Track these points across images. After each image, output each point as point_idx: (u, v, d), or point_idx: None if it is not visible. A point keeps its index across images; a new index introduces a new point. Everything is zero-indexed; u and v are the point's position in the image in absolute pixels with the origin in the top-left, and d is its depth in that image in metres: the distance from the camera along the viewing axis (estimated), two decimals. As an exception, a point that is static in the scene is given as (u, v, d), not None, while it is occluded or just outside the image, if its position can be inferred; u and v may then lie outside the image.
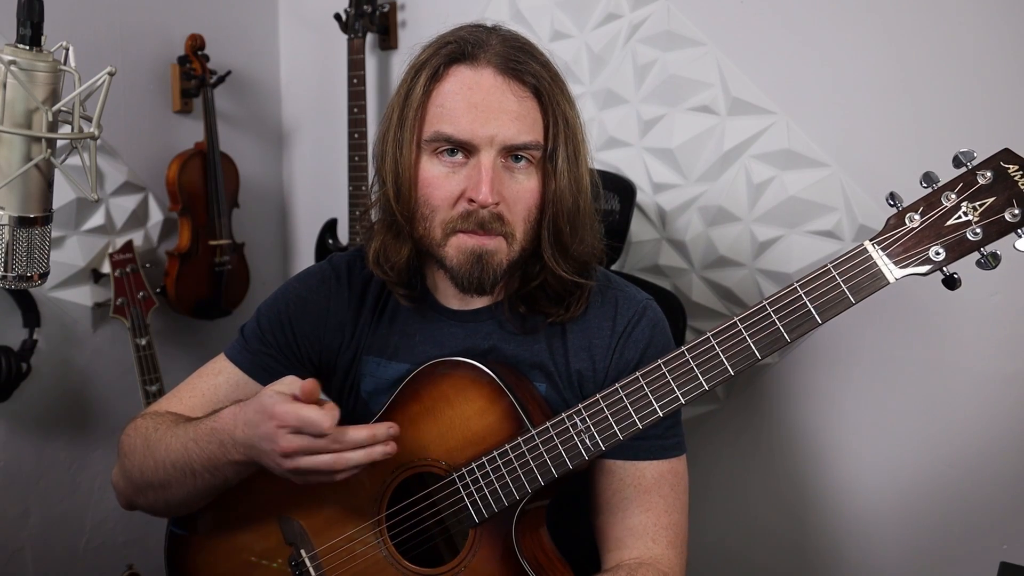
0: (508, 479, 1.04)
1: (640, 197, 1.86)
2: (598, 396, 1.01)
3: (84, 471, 2.12)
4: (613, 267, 1.85)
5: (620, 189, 1.72)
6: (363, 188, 2.11)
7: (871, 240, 0.93)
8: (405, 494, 1.11)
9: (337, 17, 2.17)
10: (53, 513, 2.06)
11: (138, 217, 2.13)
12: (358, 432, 0.97)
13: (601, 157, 1.91)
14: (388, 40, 2.27)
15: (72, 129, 0.84)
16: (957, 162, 0.91)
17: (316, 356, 1.23)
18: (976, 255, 0.91)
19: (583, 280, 1.14)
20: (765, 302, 0.95)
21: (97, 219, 2.02)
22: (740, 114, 1.73)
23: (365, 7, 2.15)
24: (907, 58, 1.56)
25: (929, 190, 0.92)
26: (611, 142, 1.89)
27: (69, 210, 1.95)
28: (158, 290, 2.12)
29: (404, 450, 1.09)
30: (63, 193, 1.89)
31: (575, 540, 1.19)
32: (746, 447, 1.85)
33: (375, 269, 1.18)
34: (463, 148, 1.06)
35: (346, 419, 1.23)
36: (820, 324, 0.94)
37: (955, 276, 0.92)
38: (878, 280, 0.92)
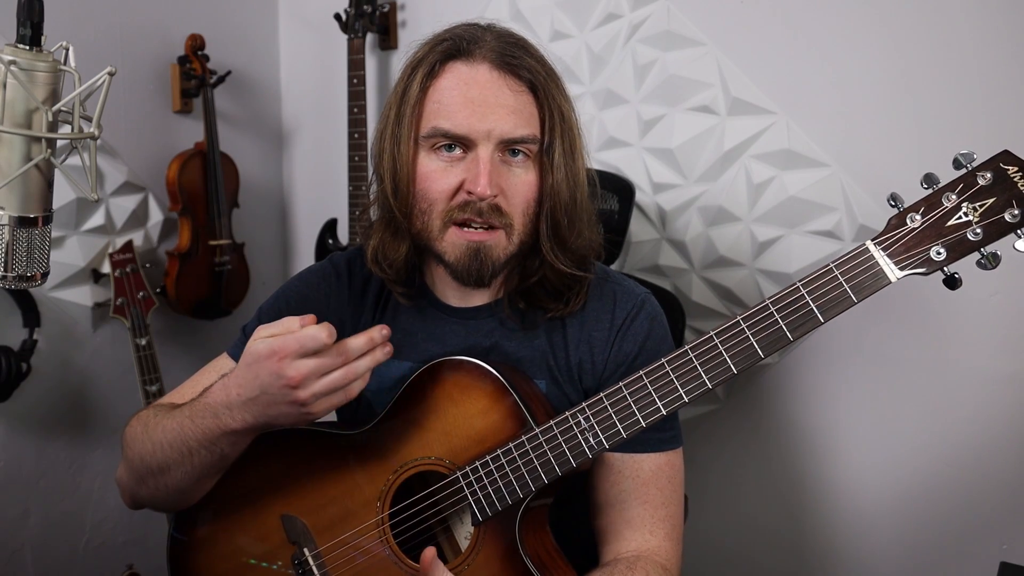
0: (512, 477, 1.04)
1: (640, 197, 1.86)
2: (602, 395, 1.02)
3: (84, 471, 2.12)
4: (612, 267, 1.85)
5: (619, 189, 1.72)
6: (363, 188, 2.12)
7: (873, 240, 0.94)
8: (408, 493, 1.11)
9: (337, 17, 2.17)
10: (53, 513, 2.06)
11: (138, 217, 2.13)
12: (357, 340, 0.98)
13: (601, 157, 1.91)
14: (388, 40, 2.27)
15: (72, 129, 0.84)
16: (957, 164, 0.92)
17: None
18: (976, 255, 0.91)
19: (581, 273, 1.15)
20: (768, 301, 0.96)
21: (97, 219, 2.02)
22: (740, 114, 1.73)
23: (365, 7, 2.15)
24: (907, 58, 1.56)
25: (930, 191, 0.93)
26: (611, 142, 1.89)
27: (69, 210, 1.95)
28: (158, 290, 2.12)
29: (408, 449, 1.10)
30: (63, 193, 1.89)
31: (574, 538, 1.20)
32: (746, 446, 1.85)
33: (374, 267, 1.19)
34: (461, 143, 1.07)
35: (349, 418, 1.24)
36: (822, 323, 0.95)
37: (956, 276, 0.93)
38: (880, 280, 0.93)
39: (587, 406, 1.02)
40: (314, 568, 1.12)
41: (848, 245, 1.64)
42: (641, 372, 1.01)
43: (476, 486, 1.06)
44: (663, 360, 1.00)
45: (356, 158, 2.13)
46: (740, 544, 1.89)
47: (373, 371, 1.20)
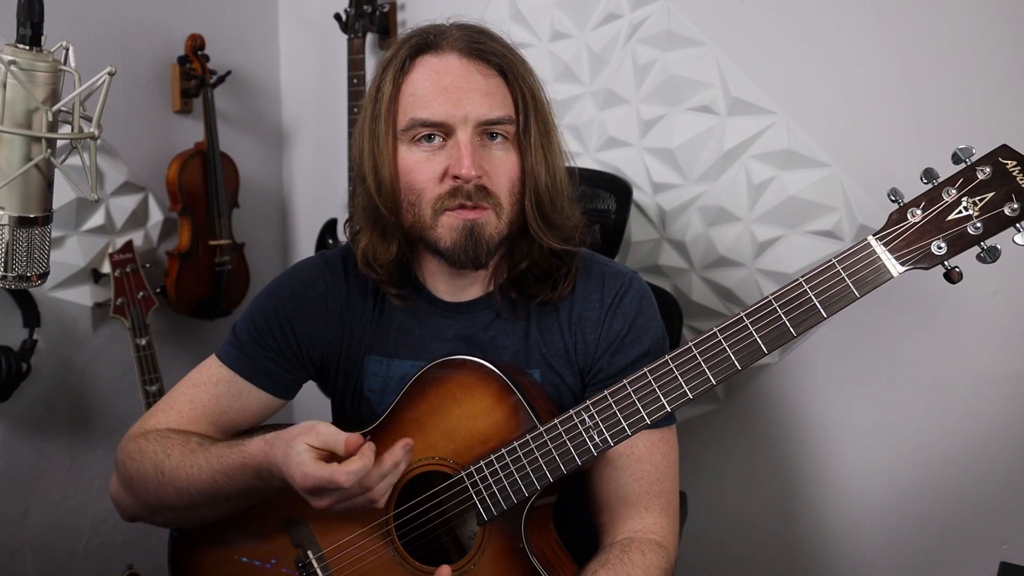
0: (517, 476, 1.05)
1: (640, 197, 1.86)
2: (606, 392, 1.02)
3: (84, 471, 2.11)
4: (613, 267, 1.84)
5: (616, 189, 1.72)
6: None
7: (874, 235, 0.95)
8: (411, 494, 1.11)
9: (337, 17, 2.17)
10: (53, 513, 2.06)
11: (138, 217, 2.12)
12: (381, 468, 0.98)
13: (601, 157, 1.91)
14: (388, 40, 2.27)
15: (72, 129, 0.84)
16: (956, 159, 0.93)
17: (317, 356, 1.22)
18: (976, 249, 0.92)
19: (570, 248, 1.17)
20: (771, 297, 0.96)
21: (97, 219, 2.02)
22: (740, 114, 1.73)
23: (365, 7, 2.15)
24: (908, 57, 1.56)
25: (930, 186, 0.94)
26: (611, 142, 1.89)
27: (69, 210, 1.94)
28: (158, 290, 2.12)
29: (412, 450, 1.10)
30: (63, 193, 1.89)
31: (572, 532, 1.20)
32: (746, 447, 1.85)
33: (365, 270, 1.18)
34: (439, 130, 1.09)
35: (351, 419, 1.23)
36: (825, 318, 0.96)
37: (956, 269, 0.94)
38: (882, 274, 0.94)
39: (591, 404, 1.02)
40: (318, 571, 1.11)
41: (848, 245, 1.64)
42: (645, 369, 1.01)
43: (481, 486, 1.06)
44: (667, 357, 1.00)
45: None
46: (740, 543, 1.89)
47: (373, 371, 1.21)
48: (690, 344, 0.99)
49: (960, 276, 0.93)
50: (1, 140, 0.81)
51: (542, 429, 1.04)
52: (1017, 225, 0.91)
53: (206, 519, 1.14)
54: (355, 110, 2.12)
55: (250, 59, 2.42)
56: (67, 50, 0.85)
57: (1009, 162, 0.91)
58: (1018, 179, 0.90)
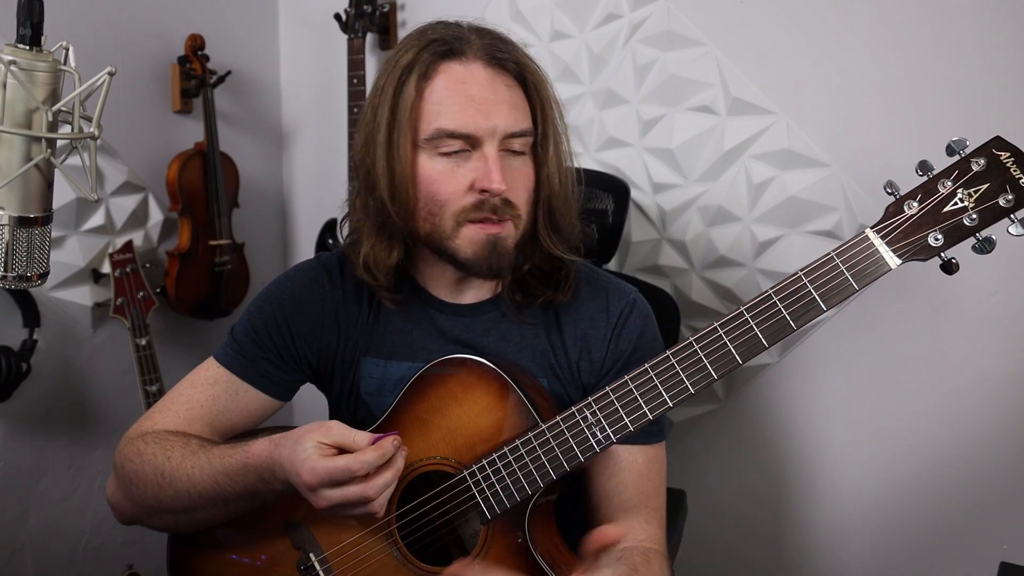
0: (520, 474, 1.05)
1: (640, 197, 1.86)
2: (608, 389, 1.02)
3: (84, 471, 2.11)
4: (609, 267, 1.85)
5: (614, 189, 1.72)
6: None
7: (872, 227, 0.95)
8: (413, 494, 1.11)
9: (337, 17, 2.17)
10: (53, 513, 2.06)
11: (138, 217, 2.12)
12: (384, 476, 0.97)
13: (601, 157, 1.91)
14: (388, 40, 2.27)
15: (72, 129, 0.84)
16: (950, 150, 0.94)
17: (314, 357, 1.21)
18: (972, 240, 0.93)
19: (572, 258, 1.17)
20: (770, 291, 0.97)
21: (97, 219, 2.02)
22: (740, 114, 1.73)
23: (365, 7, 2.15)
24: (908, 58, 1.56)
25: (925, 178, 0.94)
26: (611, 142, 1.89)
27: (69, 210, 1.94)
28: (158, 290, 2.12)
29: (413, 450, 1.09)
30: (63, 193, 1.89)
31: (574, 533, 1.20)
32: (745, 446, 1.85)
33: (364, 275, 1.17)
34: (467, 142, 1.07)
35: (348, 421, 1.21)
36: (825, 311, 0.96)
37: (953, 261, 0.94)
38: (880, 266, 0.94)
39: (593, 401, 1.02)
40: (321, 573, 1.11)
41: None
42: (647, 365, 1.01)
43: (484, 484, 1.06)
44: (668, 352, 1.00)
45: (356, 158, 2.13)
46: (740, 543, 1.89)
47: (369, 373, 1.21)
48: (691, 339, 0.99)
49: (957, 267, 0.94)
50: (1, 140, 0.81)
51: (544, 427, 1.04)
52: (1012, 216, 0.92)
53: (204, 523, 1.14)
54: (355, 110, 2.12)
55: (250, 59, 2.41)
56: (67, 50, 0.85)
57: (1003, 153, 0.92)
58: (1012, 170, 0.91)
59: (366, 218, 1.15)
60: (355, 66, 2.13)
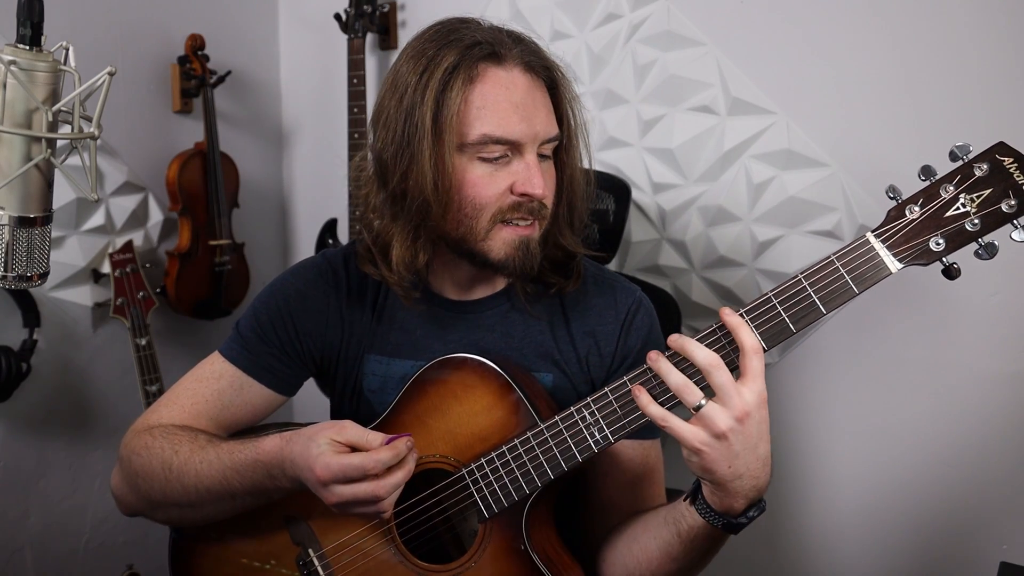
0: (518, 474, 1.05)
1: (640, 197, 1.86)
2: (606, 389, 1.02)
3: (84, 471, 2.11)
4: (610, 267, 1.85)
5: (615, 189, 1.72)
6: (363, 189, 2.11)
7: (873, 232, 0.95)
8: (412, 492, 1.11)
9: (337, 17, 2.17)
10: (53, 513, 2.06)
11: (138, 217, 2.13)
12: (394, 476, 0.98)
13: (601, 157, 1.91)
14: (388, 40, 2.27)
15: (72, 129, 0.84)
16: (953, 156, 0.93)
17: (318, 353, 1.22)
18: (974, 245, 0.93)
19: (588, 252, 1.21)
20: (770, 293, 0.96)
21: (97, 219, 2.02)
22: (740, 114, 1.73)
23: (365, 7, 2.15)
24: (908, 57, 1.56)
25: (928, 183, 0.94)
26: (611, 142, 1.89)
27: (69, 210, 1.94)
28: (158, 290, 2.12)
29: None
30: (63, 193, 1.89)
31: (574, 535, 1.20)
32: (746, 447, 1.85)
33: (391, 277, 1.15)
34: (510, 148, 1.08)
35: (350, 419, 1.23)
36: (824, 315, 0.96)
37: (954, 266, 0.94)
38: (880, 271, 0.94)
39: (592, 401, 1.02)
40: (319, 569, 1.12)
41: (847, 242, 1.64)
42: (646, 365, 1.01)
43: (482, 483, 1.07)
44: (667, 354, 1.00)
45: (356, 158, 2.12)
46: (738, 542, 1.88)
47: (372, 370, 1.21)
48: (696, 338, 0.99)
49: (959, 272, 0.94)
50: (1, 140, 0.81)
51: (543, 426, 1.04)
52: (1015, 222, 0.91)
53: (209, 518, 1.14)
54: (355, 110, 2.12)
55: (250, 59, 2.42)
56: (67, 50, 0.85)
57: (1006, 159, 0.91)
58: (1015, 176, 0.90)
59: (394, 220, 1.13)
60: (355, 66, 2.13)
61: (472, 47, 1.07)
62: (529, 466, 1.04)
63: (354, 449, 0.99)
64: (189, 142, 2.22)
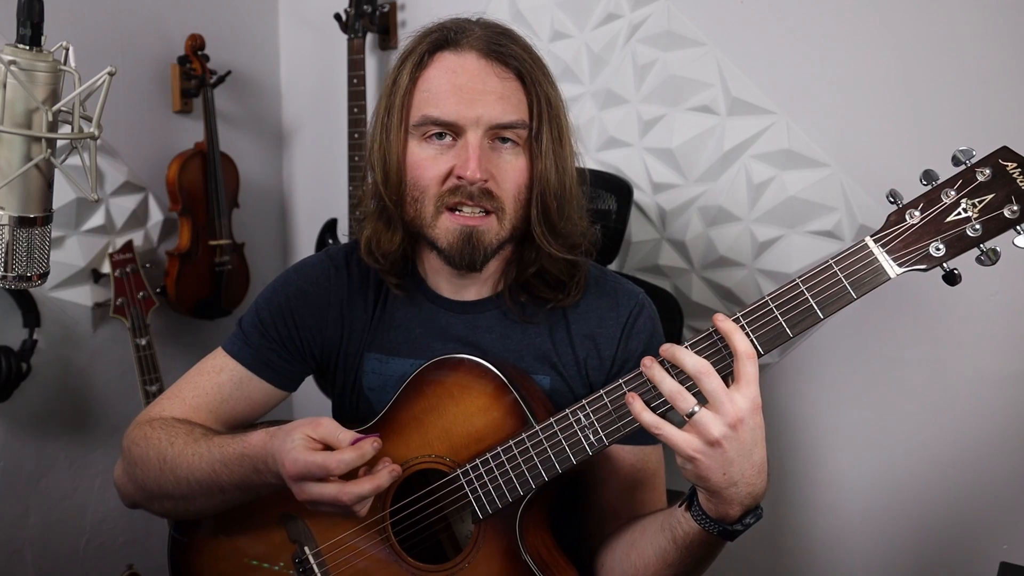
0: (512, 475, 1.05)
1: (640, 197, 1.86)
2: (601, 392, 1.02)
3: (84, 471, 2.12)
4: (611, 267, 1.85)
5: (616, 189, 1.72)
6: (363, 187, 2.12)
7: (872, 236, 0.94)
8: (408, 492, 1.11)
9: (337, 17, 2.17)
10: (53, 513, 2.06)
11: (138, 217, 2.12)
12: (361, 486, 0.98)
13: (601, 157, 1.91)
14: (388, 40, 2.27)
15: (72, 129, 0.84)
16: (956, 160, 0.92)
17: (318, 350, 1.23)
18: (976, 251, 0.92)
19: (574, 258, 1.17)
20: (767, 298, 0.96)
21: (97, 219, 2.02)
22: (740, 114, 1.73)
23: (365, 7, 2.15)
24: (907, 58, 1.56)
25: (929, 187, 0.93)
26: (611, 142, 1.89)
27: (69, 210, 1.94)
28: (158, 290, 2.12)
29: (409, 447, 1.10)
30: (63, 193, 1.89)
31: (570, 538, 1.20)
32: (746, 447, 1.85)
33: (367, 257, 1.19)
34: (450, 130, 1.09)
35: (350, 416, 1.24)
36: (822, 319, 0.95)
37: (955, 272, 0.93)
38: (879, 276, 0.93)
39: (587, 403, 1.02)
40: (315, 567, 1.12)
41: (846, 246, 1.64)
42: (641, 369, 1.00)
43: (476, 484, 1.06)
44: (663, 357, 1.00)
45: (356, 158, 2.13)
46: (739, 543, 1.88)
47: (372, 368, 1.21)
48: (686, 344, 0.99)
49: (959, 278, 0.92)
50: (1, 140, 0.81)
51: (538, 428, 1.04)
52: (1017, 227, 0.90)
53: (201, 511, 1.15)
54: (355, 110, 2.12)
55: (250, 59, 2.42)
56: (67, 50, 0.85)
57: (1009, 164, 0.90)
58: (1018, 181, 0.89)
59: (373, 202, 1.18)
60: (355, 66, 2.13)
61: (428, 35, 1.12)
62: (524, 468, 1.04)
63: (328, 447, 0.99)
64: (189, 142, 2.22)
